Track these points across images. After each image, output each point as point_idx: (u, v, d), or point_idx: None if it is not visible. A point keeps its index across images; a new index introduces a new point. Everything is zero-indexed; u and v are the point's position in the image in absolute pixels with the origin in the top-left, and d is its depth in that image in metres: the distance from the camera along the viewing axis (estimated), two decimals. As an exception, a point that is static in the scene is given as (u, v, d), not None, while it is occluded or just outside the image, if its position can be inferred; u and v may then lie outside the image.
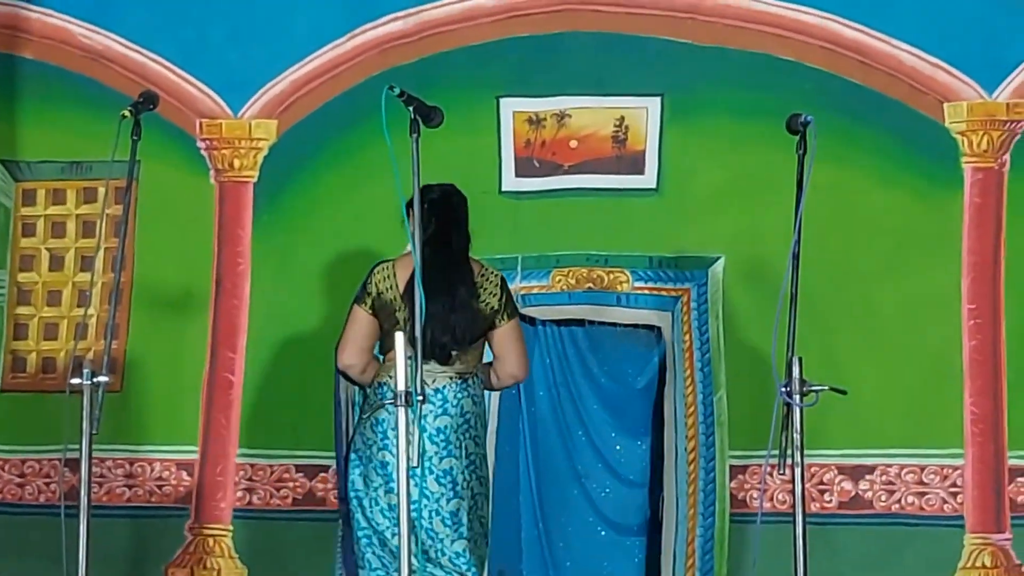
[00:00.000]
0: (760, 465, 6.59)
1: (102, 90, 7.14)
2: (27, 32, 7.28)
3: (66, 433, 4.83)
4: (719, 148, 6.89)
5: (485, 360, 5.61)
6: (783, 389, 4.57)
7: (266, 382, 6.98)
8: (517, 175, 7.01)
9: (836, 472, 6.67)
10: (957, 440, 6.61)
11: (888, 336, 6.68)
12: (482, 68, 7.01)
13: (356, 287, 6.80)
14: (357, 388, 5.66)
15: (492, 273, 5.58)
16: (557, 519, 6.80)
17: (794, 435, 4.57)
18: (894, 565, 6.62)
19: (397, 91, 4.71)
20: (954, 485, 6.61)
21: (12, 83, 7.28)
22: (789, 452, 4.60)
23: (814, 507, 6.58)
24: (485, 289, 5.49)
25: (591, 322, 6.92)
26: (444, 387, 5.41)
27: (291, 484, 6.95)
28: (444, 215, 5.51)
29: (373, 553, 5.46)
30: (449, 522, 5.39)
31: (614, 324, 6.92)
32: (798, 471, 4.59)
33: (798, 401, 4.56)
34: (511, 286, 5.77)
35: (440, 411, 5.41)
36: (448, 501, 5.38)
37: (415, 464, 4.54)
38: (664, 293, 6.89)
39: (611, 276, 6.91)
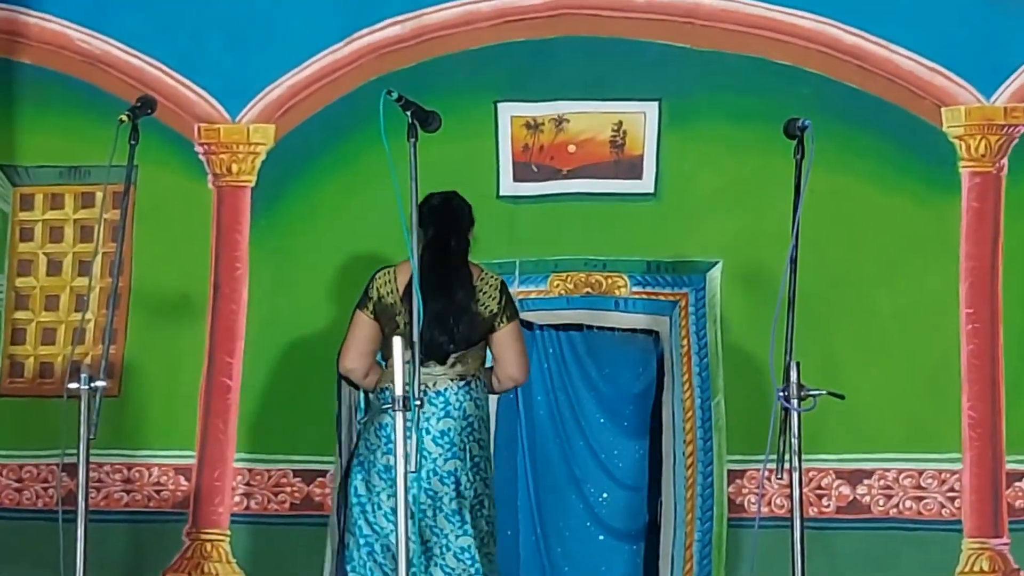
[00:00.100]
0: (758, 469, 6.58)
1: (100, 95, 7.14)
2: (25, 37, 7.28)
3: (64, 438, 4.82)
4: (717, 153, 6.89)
5: (488, 365, 5.64)
6: (781, 393, 4.57)
7: (264, 387, 6.98)
8: (515, 180, 7.01)
9: (834, 476, 6.67)
10: (955, 444, 6.62)
11: (886, 341, 6.68)
12: (480, 73, 7.01)
13: (354, 291, 6.80)
14: (361, 394, 5.67)
15: (491, 277, 5.60)
16: (555, 524, 6.80)
17: (792, 439, 4.57)
18: (892, 569, 6.62)
19: (395, 96, 4.71)
20: (952, 489, 6.61)
21: (10, 88, 7.28)
22: (787, 456, 4.60)
23: (812, 511, 6.57)
24: (484, 292, 5.52)
25: (589, 327, 6.91)
26: (445, 389, 5.45)
27: (289, 489, 6.94)
28: (444, 220, 5.57)
29: (375, 562, 5.47)
30: (454, 519, 5.42)
31: (612, 329, 6.92)
32: (796, 475, 4.59)
33: (796, 406, 4.55)
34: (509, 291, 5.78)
35: (443, 413, 5.44)
36: (452, 500, 5.42)
37: (413, 469, 4.53)
38: (662, 298, 6.89)
39: (609, 281, 6.91)
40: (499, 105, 7.02)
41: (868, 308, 6.72)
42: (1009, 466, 6.60)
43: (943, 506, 6.62)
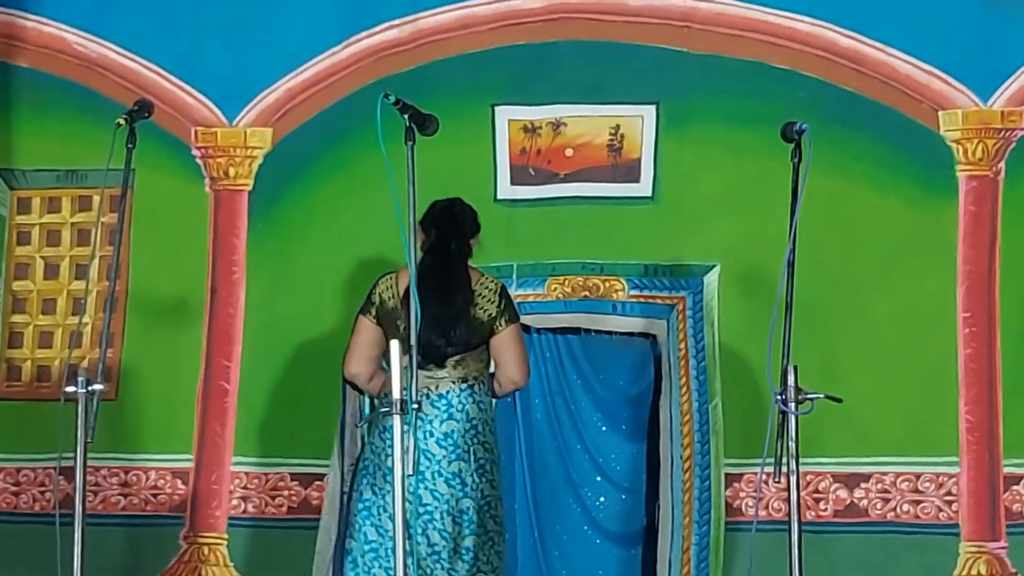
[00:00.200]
0: (755, 473, 6.58)
1: (97, 98, 7.14)
2: (23, 41, 7.28)
3: (61, 441, 4.82)
4: (714, 156, 6.89)
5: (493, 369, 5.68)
6: (778, 397, 4.57)
7: (261, 390, 6.98)
8: (512, 183, 7.01)
9: (831, 480, 6.67)
10: (952, 448, 6.61)
11: (883, 344, 6.69)
12: (477, 76, 7.01)
13: (352, 294, 6.85)
14: (366, 399, 5.69)
15: (491, 281, 5.64)
16: (552, 527, 6.80)
17: (789, 443, 4.57)
18: (890, 573, 6.62)
19: (392, 99, 4.72)
20: (949, 493, 6.61)
21: (7, 91, 7.28)
22: (784, 460, 4.59)
23: (809, 515, 6.57)
24: (483, 296, 5.56)
25: (587, 330, 6.92)
26: (448, 392, 5.50)
27: (286, 492, 6.94)
28: (445, 225, 5.63)
29: (380, 567, 5.49)
30: (459, 520, 5.45)
31: (610, 332, 6.92)
32: (793, 479, 4.59)
33: (793, 409, 4.55)
34: (507, 294, 5.81)
35: (446, 416, 5.49)
36: (458, 501, 5.46)
37: (411, 472, 4.55)
38: (660, 301, 6.89)
39: (607, 284, 6.91)
40: (496, 108, 7.02)
41: (865, 311, 6.72)
42: (1006, 470, 6.60)
43: (940, 510, 6.62)
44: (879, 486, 6.66)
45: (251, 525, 6.95)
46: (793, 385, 4.56)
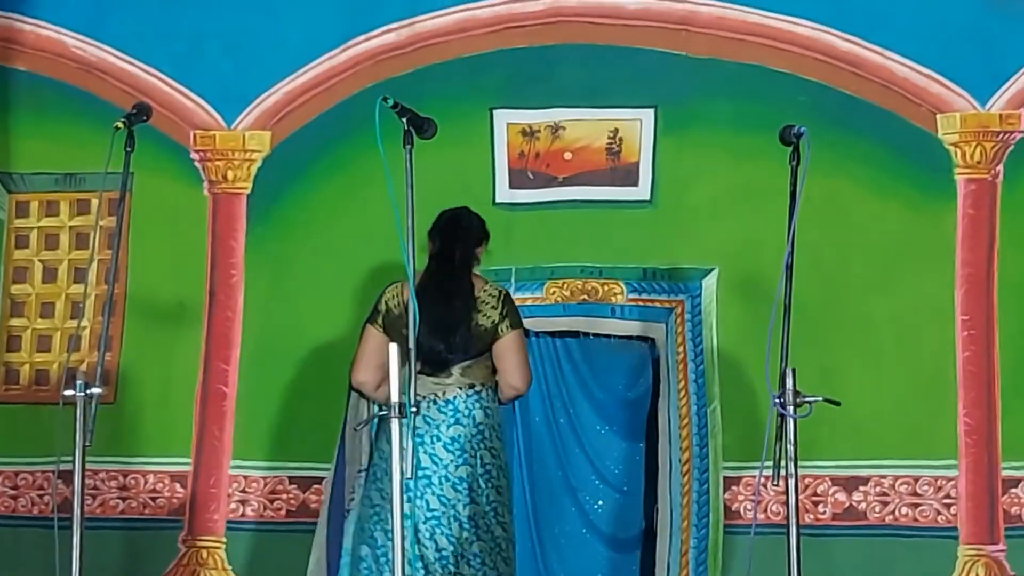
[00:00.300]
0: (754, 476, 6.58)
1: (96, 102, 7.14)
2: (21, 44, 7.28)
3: (59, 445, 4.81)
4: (713, 160, 6.89)
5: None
6: (777, 400, 4.57)
7: (260, 394, 6.97)
8: (511, 187, 7.01)
9: (830, 483, 6.67)
10: (951, 451, 6.61)
11: (882, 347, 6.69)
12: (476, 80, 7.01)
13: (351, 298, 6.87)
14: (376, 407, 5.72)
15: (494, 288, 5.71)
16: (551, 530, 6.79)
17: (788, 446, 4.57)
18: (888, 576, 6.64)
19: (391, 102, 4.72)
20: (948, 496, 6.61)
21: (6, 95, 7.28)
22: (783, 463, 4.59)
23: (808, 518, 6.57)
24: (486, 303, 5.62)
25: (585, 334, 6.92)
26: (455, 397, 5.56)
27: (285, 496, 6.94)
28: (450, 232, 5.72)
29: (391, 570, 5.49)
30: (468, 526, 5.49)
31: (608, 336, 6.92)
32: (792, 482, 4.59)
33: (792, 412, 4.55)
34: (506, 298, 5.82)
35: (452, 420, 5.55)
36: (464, 507, 5.50)
37: (409, 476, 4.55)
38: (658, 305, 6.89)
39: (605, 288, 6.91)
40: (495, 112, 7.02)
41: (864, 315, 6.72)
42: (1005, 473, 6.60)
43: (939, 513, 6.62)
44: (878, 489, 6.66)
45: (250, 529, 6.95)
46: (792, 388, 4.56)
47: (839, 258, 6.72)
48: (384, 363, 5.49)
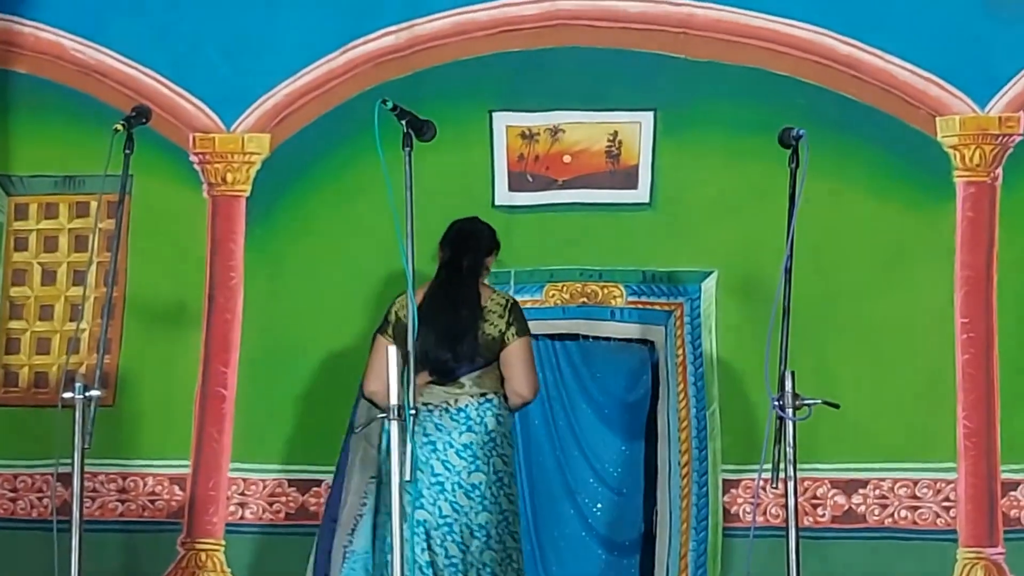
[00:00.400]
0: (753, 479, 6.58)
1: (95, 104, 7.14)
2: (20, 46, 7.28)
3: (58, 447, 4.81)
4: (712, 162, 6.89)
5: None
6: (776, 403, 4.57)
7: (259, 396, 6.97)
8: (510, 189, 7.01)
9: (829, 486, 6.67)
10: (950, 454, 6.61)
11: (881, 350, 6.68)
12: (475, 82, 7.02)
13: (349, 300, 6.85)
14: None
15: (501, 296, 5.78)
16: (550, 533, 6.79)
17: (787, 449, 4.57)
18: (887, 579, 6.63)
19: (390, 105, 4.72)
20: (947, 499, 6.61)
21: (5, 97, 7.28)
22: (782, 466, 4.59)
23: (807, 521, 6.57)
24: (493, 312, 5.68)
25: (585, 336, 6.92)
26: (467, 405, 5.62)
27: (284, 499, 6.94)
28: (460, 242, 5.80)
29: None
30: (480, 534, 5.54)
31: (608, 338, 6.93)
32: (791, 485, 4.59)
33: (791, 415, 4.55)
34: (505, 301, 5.86)
35: (464, 428, 5.60)
36: (477, 514, 5.55)
37: (408, 478, 4.56)
38: (657, 307, 6.89)
39: (605, 291, 6.91)
40: (494, 115, 7.02)
41: (863, 318, 6.72)
42: (1004, 476, 6.60)
43: (938, 516, 6.62)
44: (877, 492, 6.66)
45: (249, 531, 6.94)
46: (791, 391, 4.57)
47: (838, 261, 6.71)
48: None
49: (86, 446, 4.73)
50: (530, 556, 6.76)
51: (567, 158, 7.01)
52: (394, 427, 4.55)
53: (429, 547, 5.54)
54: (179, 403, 6.99)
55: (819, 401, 4.60)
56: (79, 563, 4.74)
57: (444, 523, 5.54)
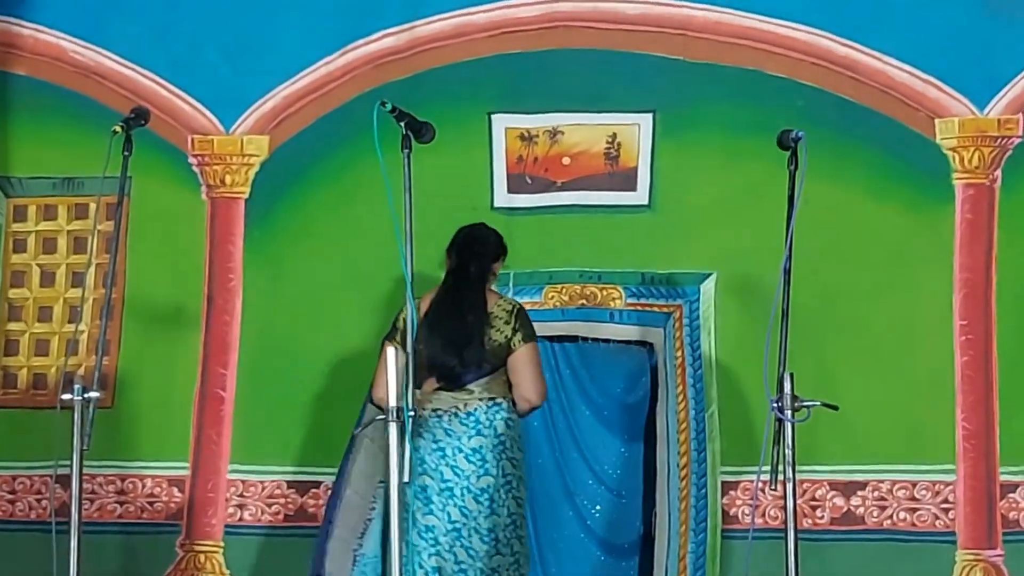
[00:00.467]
0: (752, 481, 6.58)
1: (94, 106, 7.14)
2: (19, 48, 7.28)
3: (57, 449, 4.81)
4: (711, 164, 6.89)
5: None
6: (775, 404, 4.57)
7: (257, 398, 6.97)
8: (509, 191, 7.01)
9: (828, 488, 6.67)
10: (949, 456, 6.61)
11: (880, 352, 6.68)
12: (474, 84, 7.01)
13: (348, 302, 6.85)
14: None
15: (508, 302, 5.82)
16: (549, 535, 6.79)
17: (786, 451, 4.57)
18: (886, 581, 6.63)
19: (389, 107, 4.73)
20: (946, 501, 6.61)
21: (4, 99, 7.27)
22: (781, 468, 4.59)
23: (806, 523, 6.57)
24: (499, 318, 5.73)
25: (584, 338, 6.92)
26: (476, 409, 5.66)
27: (282, 500, 6.93)
28: (466, 248, 5.85)
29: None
30: (488, 539, 5.58)
31: (607, 340, 6.92)
32: (790, 487, 4.59)
33: (790, 417, 4.55)
34: (504, 303, 5.88)
35: (474, 432, 5.64)
36: (486, 518, 5.58)
37: (406, 480, 4.57)
38: (656, 309, 6.89)
39: (604, 293, 6.91)
40: (493, 117, 7.02)
41: (862, 319, 6.72)
42: (1003, 477, 6.60)
43: (937, 518, 6.62)
44: (876, 494, 6.66)
45: (247, 533, 6.94)
46: (789, 393, 4.57)
47: (837, 263, 6.71)
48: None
49: (85, 448, 4.74)
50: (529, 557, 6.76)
51: (566, 160, 7.01)
52: (393, 429, 4.56)
53: (438, 553, 5.56)
54: (178, 405, 6.99)
55: (818, 403, 4.60)
56: (78, 565, 4.74)
57: (453, 528, 5.58)
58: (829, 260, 6.67)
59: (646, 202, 6.95)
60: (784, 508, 4.62)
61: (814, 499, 6.66)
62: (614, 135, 6.99)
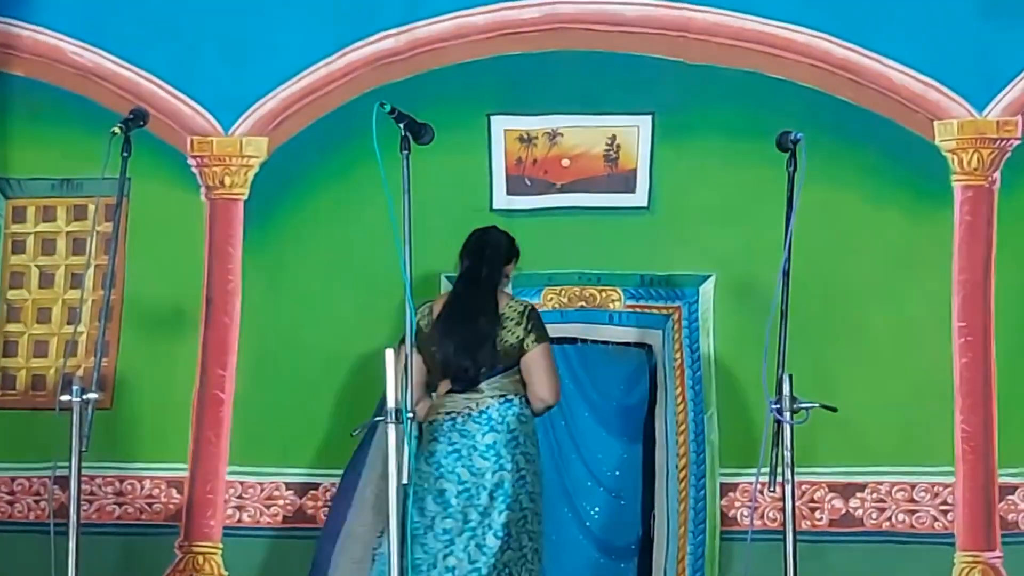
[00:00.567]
0: (751, 483, 6.58)
1: (93, 107, 7.13)
2: (18, 49, 7.27)
3: (56, 450, 4.81)
4: (710, 166, 6.89)
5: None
6: (774, 406, 4.57)
7: (256, 400, 6.97)
8: (508, 193, 7.01)
9: (827, 490, 6.67)
10: (948, 458, 6.61)
11: (879, 354, 6.68)
12: (473, 86, 7.01)
13: (347, 304, 6.84)
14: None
15: (519, 304, 5.87)
16: (547, 536, 6.77)
17: (785, 453, 4.57)
18: (885, 583, 6.63)
19: (388, 108, 4.73)
20: (945, 503, 6.61)
21: (3, 100, 7.27)
22: (780, 470, 4.59)
23: (805, 525, 6.57)
24: (511, 319, 5.78)
25: (583, 340, 6.91)
26: (488, 407, 5.72)
27: (281, 502, 6.93)
28: (478, 251, 5.90)
29: None
30: (500, 534, 5.62)
31: (606, 342, 6.92)
32: (789, 489, 4.59)
33: (788, 418, 4.55)
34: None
35: (487, 428, 5.70)
36: (499, 514, 5.64)
37: (405, 481, 4.58)
38: (655, 311, 6.89)
39: (603, 294, 6.91)
40: (492, 118, 7.02)
41: (861, 321, 6.72)
42: (1002, 479, 6.60)
43: (936, 519, 6.62)
44: (874, 496, 6.65)
45: (246, 534, 6.94)
46: (788, 394, 4.57)
47: (836, 264, 6.71)
48: (420, 382, 5.76)
49: (83, 449, 4.74)
50: (527, 559, 6.76)
51: (565, 162, 7.01)
52: (391, 430, 4.56)
53: (452, 554, 5.61)
54: (177, 406, 6.99)
55: (817, 404, 4.60)
56: (76, 566, 4.74)
57: (468, 528, 5.64)
58: (828, 261, 6.67)
59: (645, 204, 6.95)
60: (783, 510, 4.62)
61: (813, 501, 6.66)
62: (613, 137, 6.99)
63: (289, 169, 7.08)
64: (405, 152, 4.74)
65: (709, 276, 6.84)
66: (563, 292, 6.92)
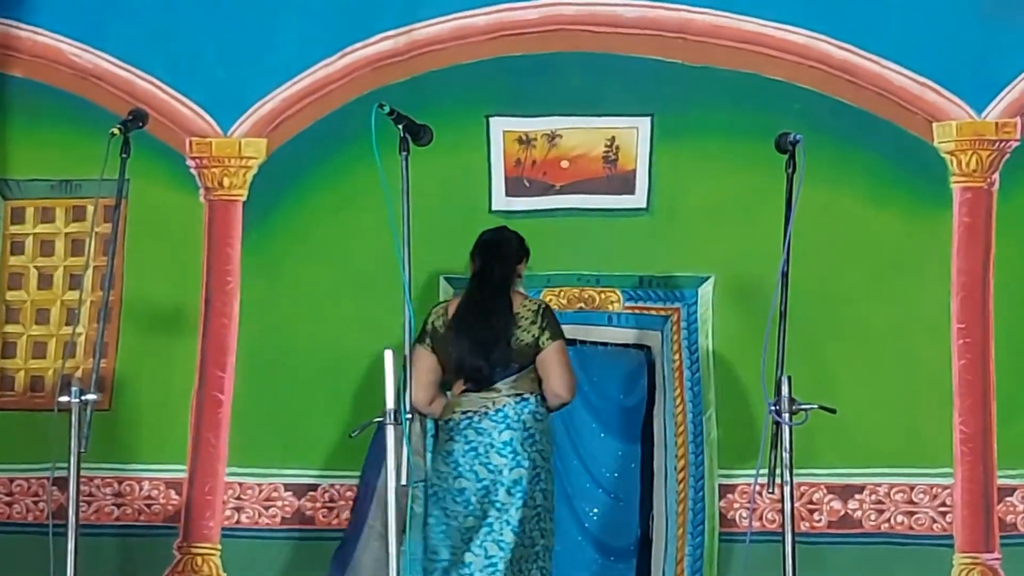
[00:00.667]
0: (749, 484, 6.58)
1: (92, 108, 7.13)
2: (17, 50, 7.27)
3: (54, 452, 4.81)
4: (709, 168, 6.89)
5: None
6: (772, 408, 4.57)
7: (255, 401, 6.96)
8: (507, 194, 7.01)
9: (825, 491, 6.67)
10: (947, 459, 6.61)
11: (877, 355, 6.68)
12: (472, 87, 7.01)
13: (346, 305, 6.84)
14: (430, 421, 5.92)
15: (533, 302, 5.94)
16: (547, 538, 6.79)
17: (783, 454, 4.57)
18: (884, 584, 6.63)
19: (387, 109, 4.73)
20: (943, 504, 6.61)
21: (2, 101, 7.27)
22: (778, 471, 4.59)
23: (803, 526, 6.57)
24: (525, 318, 5.83)
25: (582, 341, 6.91)
26: (504, 406, 5.79)
27: (280, 503, 6.93)
28: (489, 252, 5.96)
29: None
30: (516, 531, 5.70)
31: (605, 343, 6.92)
32: (787, 490, 4.59)
33: (787, 420, 4.55)
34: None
35: (503, 426, 5.77)
36: (516, 511, 5.72)
37: (404, 482, 4.59)
38: (654, 312, 6.89)
39: (602, 296, 6.91)
40: (491, 120, 7.02)
41: (860, 323, 6.72)
42: (1000, 481, 6.60)
43: (935, 521, 6.62)
44: (873, 497, 6.66)
45: (245, 535, 6.94)
46: (787, 396, 4.57)
47: (835, 266, 6.71)
48: (435, 381, 5.85)
49: (82, 450, 4.74)
50: (526, 560, 6.76)
51: (564, 163, 7.01)
52: (390, 431, 4.57)
53: (469, 549, 5.71)
54: (175, 407, 6.99)
55: (815, 406, 4.60)
56: (75, 567, 4.74)
57: (486, 524, 5.71)
58: (827, 263, 6.67)
59: (644, 205, 6.95)
60: (782, 511, 4.62)
61: (811, 502, 6.66)
62: (612, 138, 6.99)
63: (288, 170, 7.08)
64: (404, 153, 4.74)
65: (708, 277, 6.84)
66: (562, 293, 6.92)
